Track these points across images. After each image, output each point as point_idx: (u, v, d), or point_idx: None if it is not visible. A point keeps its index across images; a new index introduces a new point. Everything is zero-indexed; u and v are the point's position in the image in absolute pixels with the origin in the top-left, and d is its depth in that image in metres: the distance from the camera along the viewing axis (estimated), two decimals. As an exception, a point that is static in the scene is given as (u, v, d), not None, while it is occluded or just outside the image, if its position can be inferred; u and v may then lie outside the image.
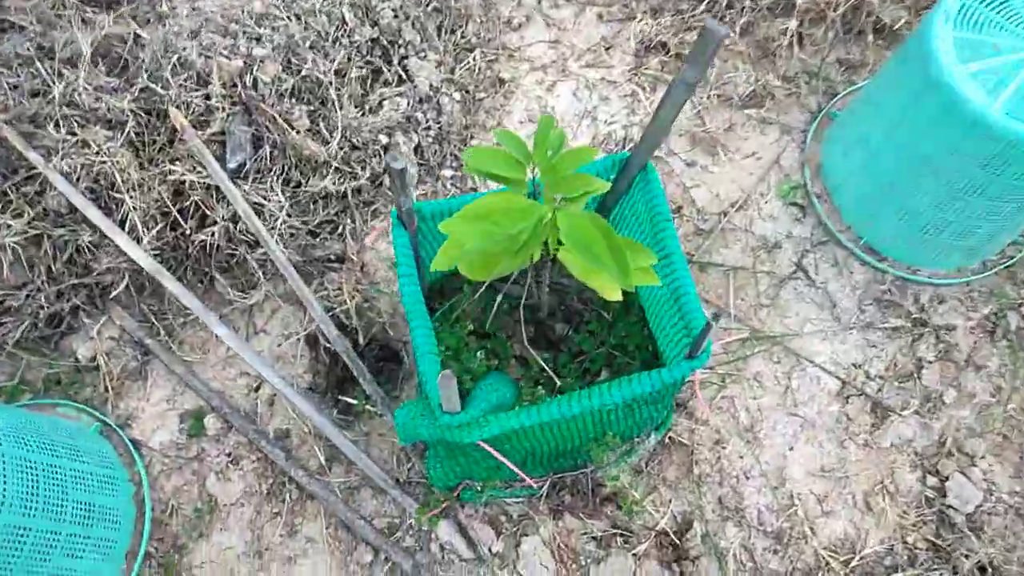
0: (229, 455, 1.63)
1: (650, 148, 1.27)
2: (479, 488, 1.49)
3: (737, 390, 1.69)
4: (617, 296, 1.16)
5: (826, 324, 1.74)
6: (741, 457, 1.63)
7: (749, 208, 1.86)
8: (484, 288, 1.69)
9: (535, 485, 1.56)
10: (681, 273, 1.26)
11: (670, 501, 1.59)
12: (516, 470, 1.29)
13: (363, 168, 1.78)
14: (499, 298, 1.59)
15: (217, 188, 1.69)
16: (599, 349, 1.64)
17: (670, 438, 1.65)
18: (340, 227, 1.77)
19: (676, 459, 1.63)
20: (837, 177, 1.81)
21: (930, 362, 1.69)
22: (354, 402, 1.63)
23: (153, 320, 1.73)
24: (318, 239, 1.75)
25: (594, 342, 1.65)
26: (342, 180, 1.72)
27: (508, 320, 1.69)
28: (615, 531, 1.56)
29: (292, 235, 1.72)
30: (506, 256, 1.12)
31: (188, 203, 1.68)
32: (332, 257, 1.76)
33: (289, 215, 1.70)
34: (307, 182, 1.72)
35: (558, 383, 1.59)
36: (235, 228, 1.70)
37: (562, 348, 1.67)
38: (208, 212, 1.69)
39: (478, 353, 1.48)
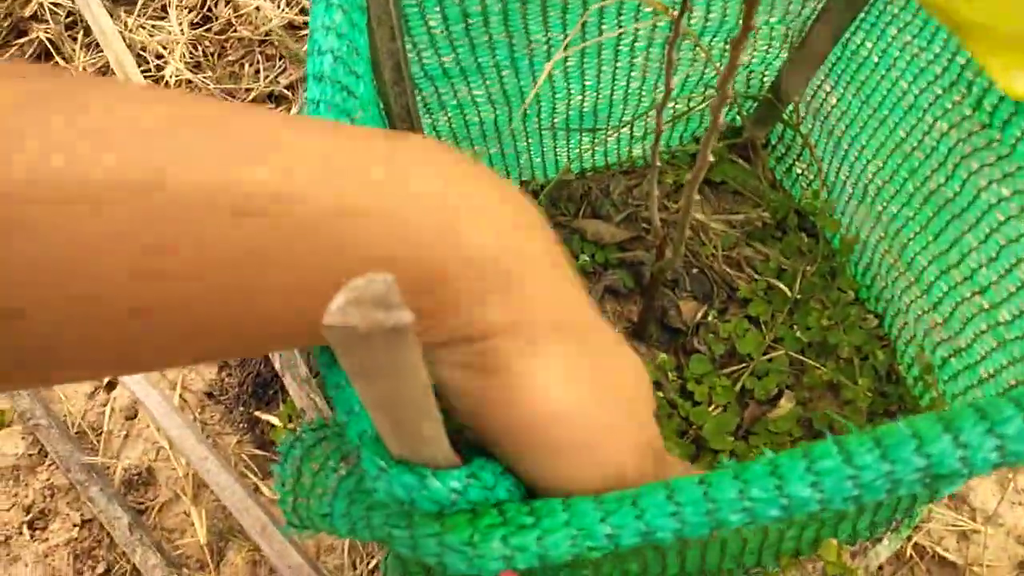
0: (29, 509, 0.84)
1: None
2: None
3: (1055, 456, 0.82)
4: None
5: None
6: (1086, 606, 0.76)
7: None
8: (549, 199, 0.88)
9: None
10: None
11: None
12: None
13: None
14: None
15: (82, 20, 0.95)
16: (772, 353, 0.81)
17: (918, 548, 0.79)
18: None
19: (932, 595, 0.77)
20: None
21: None
22: (275, 422, 0.83)
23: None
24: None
25: (761, 338, 0.82)
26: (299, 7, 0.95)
27: (585, 283, 0.88)
28: None
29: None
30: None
31: (30, 49, 0.94)
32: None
33: (192, 66, 0.93)
34: (235, 13, 0.95)
35: (690, 415, 0.77)
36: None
37: (695, 346, 0.84)
38: (59, 61, 0.94)
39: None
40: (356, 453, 0.40)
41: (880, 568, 0.79)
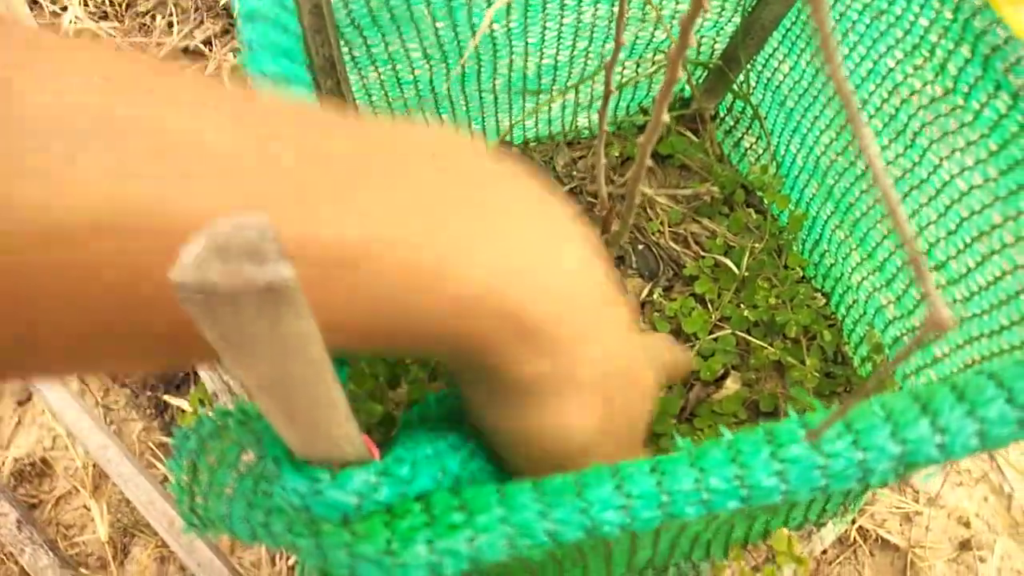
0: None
1: None
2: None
3: (994, 437, 0.82)
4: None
5: None
6: (1023, 586, 0.75)
7: None
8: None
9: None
10: None
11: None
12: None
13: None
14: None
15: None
16: (718, 332, 0.78)
17: (861, 530, 0.78)
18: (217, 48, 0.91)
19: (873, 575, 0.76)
20: None
21: None
22: (185, 407, 0.76)
23: None
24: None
25: (707, 317, 0.79)
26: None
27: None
28: None
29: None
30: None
31: None
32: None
33: (98, 16, 0.84)
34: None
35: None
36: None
37: (640, 325, 0.80)
38: (-63, 3, 0.84)
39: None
40: (257, 446, 0.34)
41: (824, 552, 0.77)
